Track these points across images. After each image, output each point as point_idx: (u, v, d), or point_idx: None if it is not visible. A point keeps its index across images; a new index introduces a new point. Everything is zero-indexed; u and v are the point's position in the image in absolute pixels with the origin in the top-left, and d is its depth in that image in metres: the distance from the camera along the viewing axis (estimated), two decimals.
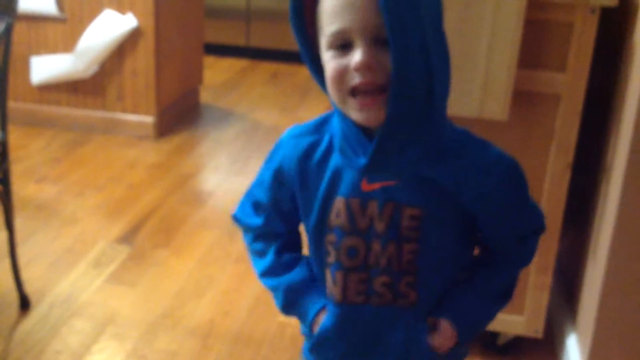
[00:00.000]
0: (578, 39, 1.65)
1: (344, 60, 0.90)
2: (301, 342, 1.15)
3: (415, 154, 0.95)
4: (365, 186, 0.99)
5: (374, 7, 0.87)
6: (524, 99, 1.72)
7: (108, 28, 3.27)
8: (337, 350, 1.07)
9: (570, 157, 1.75)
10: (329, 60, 0.92)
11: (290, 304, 1.10)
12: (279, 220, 1.10)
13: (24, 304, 2.11)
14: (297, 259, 1.10)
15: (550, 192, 1.78)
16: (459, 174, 0.97)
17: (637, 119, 1.52)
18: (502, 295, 1.09)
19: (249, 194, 1.13)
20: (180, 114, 3.73)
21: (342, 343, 1.06)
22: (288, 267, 1.10)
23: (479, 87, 1.67)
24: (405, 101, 0.90)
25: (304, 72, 4.60)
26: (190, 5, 3.73)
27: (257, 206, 1.11)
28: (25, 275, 2.18)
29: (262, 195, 1.09)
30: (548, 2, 1.63)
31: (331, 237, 1.02)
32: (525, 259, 1.10)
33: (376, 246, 1.00)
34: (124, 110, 3.45)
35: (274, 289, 1.11)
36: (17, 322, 2.05)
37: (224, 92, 4.23)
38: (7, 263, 2.14)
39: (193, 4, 3.77)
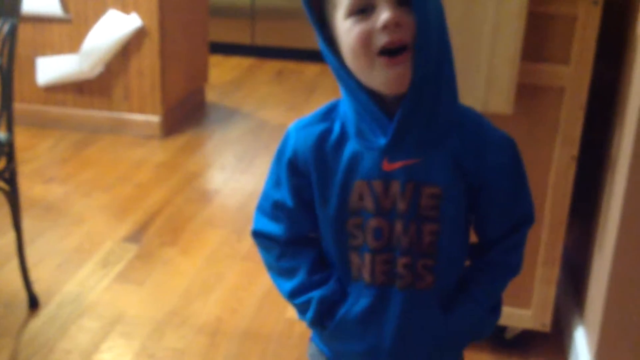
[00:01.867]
0: (581, 32, 1.65)
1: (367, 23, 0.92)
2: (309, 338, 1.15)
3: (436, 127, 0.97)
4: (387, 166, 0.99)
5: None
6: (529, 92, 1.72)
7: (113, 28, 3.28)
8: (363, 335, 1.06)
9: (575, 149, 1.74)
10: (351, 27, 0.92)
11: (324, 314, 1.06)
12: (303, 215, 1.06)
13: (33, 303, 2.12)
14: (329, 276, 1.07)
15: (555, 185, 1.78)
16: (477, 148, 0.99)
17: None
18: (493, 309, 1.09)
19: (263, 202, 1.09)
20: (186, 113, 3.73)
21: (369, 324, 1.05)
22: (320, 283, 1.07)
23: (483, 81, 1.66)
24: (429, 60, 0.92)
25: (310, 69, 4.61)
26: (194, 4, 3.74)
27: (276, 208, 1.07)
28: (33, 275, 2.19)
29: (281, 193, 1.06)
30: None
31: (356, 220, 1.02)
32: (516, 260, 1.09)
33: (399, 226, 1.01)
34: (130, 110, 3.46)
35: (304, 304, 1.07)
36: (26, 321, 2.07)
37: (230, 91, 4.24)
38: (15, 263, 2.15)
39: (198, 3, 3.78)
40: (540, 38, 1.68)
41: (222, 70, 4.55)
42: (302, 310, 1.08)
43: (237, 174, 3.14)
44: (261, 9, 4.84)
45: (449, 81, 0.97)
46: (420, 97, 0.94)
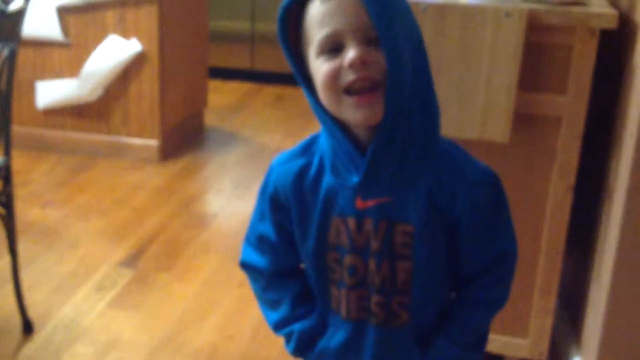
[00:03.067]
0: (578, 62, 1.66)
1: (336, 61, 0.93)
2: None
3: (408, 166, 0.97)
4: (360, 204, 0.99)
5: (362, 10, 0.91)
6: (525, 121, 1.73)
7: (113, 53, 3.30)
8: None
9: (572, 179, 1.75)
10: (321, 65, 0.94)
11: (304, 347, 1.09)
12: (286, 249, 1.08)
13: (27, 328, 2.11)
14: (312, 310, 1.09)
15: (552, 214, 1.77)
16: (451, 186, 0.99)
17: (638, 141, 1.52)
18: (474, 345, 1.08)
19: (250, 235, 1.12)
20: (184, 137, 3.74)
21: (347, 357, 1.07)
22: (302, 317, 1.09)
23: (480, 110, 1.67)
24: (400, 98, 0.92)
25: None
26: (194, 29, 3.76)
27: (261, 241, 1.09)
28: (28, 299, 2.18)
29: (265, 226, 1.08)
30: (547, 24, 1.64)
31: (334, 255, 1.03)
32: (498, 295, 1.08)
33: (372, 264, 1.01)
34: (129, 133, 3.46)
35: (286, 336, 1.11)
36: (20, 346, 2.05)
37: (229, 115, 4.25)
38: (10, 287, 2.14)
39: (197, 28, 3.80)
40: (537, 68, 1.69)
41: (221, 95, 4.57)
42: (286, 340, 1.11)
43: (235, 199, 3.14)
44: (261, 34, 4.87)
45: (425, 118, 0.96)
46: (392, 136, 0.94)
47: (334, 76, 0.93)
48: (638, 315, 1.62)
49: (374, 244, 1.00)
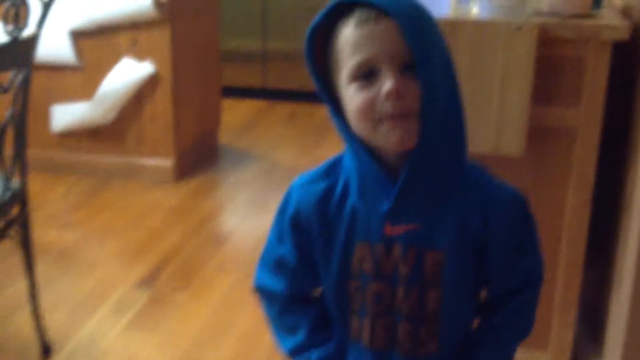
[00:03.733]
0: (591, 74, 1.65)
1: (371, 91, 0.91)
2: None
3: (438, 191, 0.95)
4: (389, 230, 0.97)
5: (397, 36, 0.89)
6: (540, 135, 1.72)
7: (126, 75, 3.33)
8: None
9: (589, 191, 1.73)
10: (356, 93, 0.92)
11: None
12: (305, 273, 1.05)
13: (46, 351, 2.11)
14: (330, 337, 1.06)
15: (570, 228, 1.76)
16: (482, 209, 0.97)
17: None
18: None
19: (266, 257, 1.09)
20: (198, 157, 3.75)
21: None
22: (320, 344, 1.06)
23: (494, 124, 1.67)
24: (435, 124, 0.91)
25: (321, 112, 4.63)
26: (207, 49, 3.79)
27: (279, 264, 1.06)
28: (46, 321, 2.18)
29: (284, 249, 1.05)
30: (559, 38, 1.64)
31: (356, 283, 1.00)
32: (525, 320, 1.06)
33: (400, 292, 0.99)
34: (143, 154, 3.48)
35: None
36: None
37: (242, 134, 4.27)
38: (28, 310, 2.14)
39: (209, 48, 3.83)
40: (550, 81, 1.69)
41: (234, 114, 4.59)
42: None
43: (250, 217, 3.14)
44: (272, 52, 4.89)
45: (456, 144, 0.96)
46: (424, 162, 0.93)
47: (370, 106, 0.91)
48: None
49: (403, 271, 0.98)
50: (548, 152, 1.74)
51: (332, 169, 1.03)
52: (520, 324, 1.06)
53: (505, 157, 1.69)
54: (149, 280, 2.57)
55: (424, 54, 0.88)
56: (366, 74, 0.91)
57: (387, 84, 0.89)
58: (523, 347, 1.89)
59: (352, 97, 0.92)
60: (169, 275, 2.60)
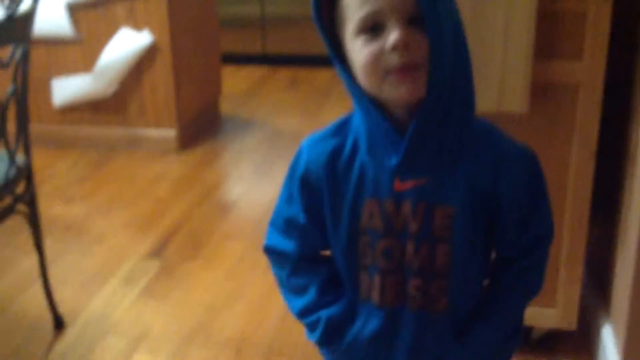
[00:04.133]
0: (592, 28, 1.63)
1: (377, 44, 0.90)
2: None
3: (447, 146, 0.95)
4: (398, 186, 0.97)
5: None
6: (543, 91, 1.71)
7: (125, 46, 3.31)
8: (373, 358, 1.05)
9: (593, 146, 1.73)
10: (362, 46, 0.91)
11: (331, 335, 1.06)
12: (315, 232, 1.05)
13: (58, 324, 2.14)
14: (340, 297, 1.06)
15: (575, 183, 1.76)
16: (493, 165, 0.97)
17: None
18: (512, 333, 1.06)
19: (276, 218, 1.09)
20: (201, 126, 3.75)
21: (380, 347, 1.04)
22: (330, 303, 1.06)
23: (496, 81, 1.65)
24: (443, 77, 0.90)
25: (322, 76, 4.61)
26: (204, 16, 3.76)
27: (289, 224, 1.06)
28: (58, 295, 2.20)
29: (293, 209, 1.05)
30: None
31: (366, 239, 1.01)
32: (534, 280, 1.06)
33: (410, 247, 0.99)
34: (146, 125, 3.48)
35: (312, 323, 1.07)
36: (53, 342, 2.08)
37: (244, 101, 4.25)
38: (38, 285, 2.17)
39: (207, 15, 3.80)
40: (551, 36, 1.67)
41: (234, 81, 4.57)
42: (310, 329, 1.08)
43: (255, 185, 3.14)
44: (271, 17, 4.86)
45: (464, 99, 0.95)
46: (433, 116, 0.92)
47: (376, 59, 0.90)
48: None
49: (413, 227, 0.98)
50: (551, 108, 1.73)
51: (342, 128, 1.02)
52: (529, 283, 1.05)
53: (509, 115, 1.68)
54: (158, 250, 2.59)
55: (431, 5, 0.88)
56: (372, 28, 0.91)
57: (393, 35, 0.89)
58: (530, 305, 1.91)
59: (358, 51, 0.92)
60: (177, 245, 2.62)
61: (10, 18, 1.79)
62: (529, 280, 1.06)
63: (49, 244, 2.33)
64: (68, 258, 2.54)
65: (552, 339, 1.97)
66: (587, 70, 1.67)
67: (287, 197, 1.07)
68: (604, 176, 1.86)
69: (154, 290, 2.34)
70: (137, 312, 2.22)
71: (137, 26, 3.32)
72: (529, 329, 1.96)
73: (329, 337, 1.06)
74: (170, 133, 3.47)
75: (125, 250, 2.60)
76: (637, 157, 1.63)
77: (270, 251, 1.09)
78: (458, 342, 1.02)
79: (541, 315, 1.88)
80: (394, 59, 0.89)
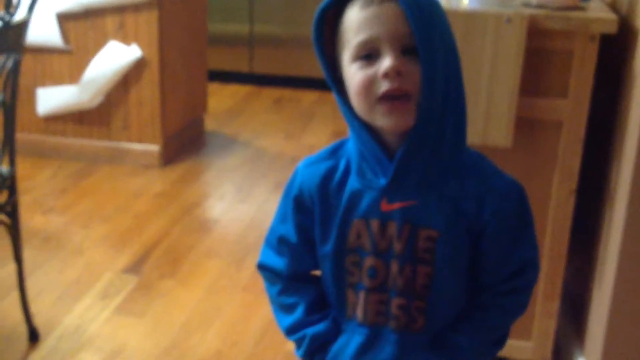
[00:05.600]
0: (579, 66, 1.67)
1: (371, 70, 0.94)
2: None
3: (435, 172, 0.98)
4: (385, 206, 1.00)
5: (401, 18, 0.92)
6: (527, 126, 1.74)
7: (113, 59, 3.31)
8: None
9: (574, 183, 1.76)
10: (356, 72, 0.95)
11: (315, 351, 1.09)
12: (305, 252, 1.09)
13: (33, 336, 2.11)
14: (326, 316, 1.10)
15: (555, 218, 1.79)
16: (479, 195, 1.00)
17: (639, 145, 1.53)
18: (493, 342, 1.09)
19: (270, 236, 1.12)
20: (185, 142, 3.75)
21: None
22: (316, 322, 1.09)
23: (482, 115, 1.68)
24: (433, 107, 0.94)
25: (307, 97, 4.63)
26: (194, 33, 3.77)
27: (281, 242, 1.10)
28: (33, 307, 2.18)
29: (286, 228, 1.09)
30: (548, 30, 1.65)
31: (353, 258, 1.04)
32: (515, 303, 1.08)
33: (394, 267, 1.02)
34: (130, 139, 3.47)
35: (298, 340, 1.11)
36: (27, 355, 2.06)
37: (229, 119, 4.26)
38: (15, 295, 2.15)
39: (197, 32, 3.81)
40: (538, 72, 1.70)
41: (220, 98, 4.57)
42: (297, 345, 1.12)
43: (236, 204, 3.14)
44: (260, 37, 4.88)
45: (456, 128, 0.98)
46: (422, 143, 0.95)
47: (369, 84, 0.94)
48: None
49: (397, 247, 1.01)
50: (534, 143, 1.76)
51: (336, 151, 1.06)
52: (507, 305, 1.07)
53: (493, 148, 1.71)
54: (135, 266, 2.57)
55: (425, 36, 0.91)
56: (368, 55, 0.94)
57: (386, 62, 0.92)
58: None
59: (352, 76, 0.96)
60: (155, 262, 2.61)
61: (5, 28, 1.79)
62: (507, 302, 1.07)
63: (26, 254, 2.31)
64: (45, 270, 2.52)
65: None
66: (572, 108, 1.71)
67: (281, 216, 1.10)
68: (583, 212, 1.89)
69: (130, 307, 2.33)
70: (112, 328, 2.21)
71: (126, 40, 3.32)
72: None
73: (312, 353, 1.09)
74: (153, 148, 3.46)
75: (103, 264, 2.58)
76: (616, 196, 1.67)
77: (263, 268, 1.13)
78: (436, 355, 1.05)
79: (516, 348, 1.89)
80: (385, 86, 0.93)
